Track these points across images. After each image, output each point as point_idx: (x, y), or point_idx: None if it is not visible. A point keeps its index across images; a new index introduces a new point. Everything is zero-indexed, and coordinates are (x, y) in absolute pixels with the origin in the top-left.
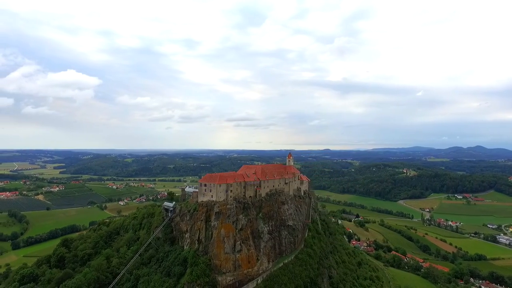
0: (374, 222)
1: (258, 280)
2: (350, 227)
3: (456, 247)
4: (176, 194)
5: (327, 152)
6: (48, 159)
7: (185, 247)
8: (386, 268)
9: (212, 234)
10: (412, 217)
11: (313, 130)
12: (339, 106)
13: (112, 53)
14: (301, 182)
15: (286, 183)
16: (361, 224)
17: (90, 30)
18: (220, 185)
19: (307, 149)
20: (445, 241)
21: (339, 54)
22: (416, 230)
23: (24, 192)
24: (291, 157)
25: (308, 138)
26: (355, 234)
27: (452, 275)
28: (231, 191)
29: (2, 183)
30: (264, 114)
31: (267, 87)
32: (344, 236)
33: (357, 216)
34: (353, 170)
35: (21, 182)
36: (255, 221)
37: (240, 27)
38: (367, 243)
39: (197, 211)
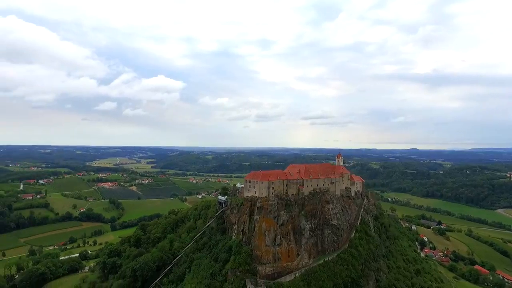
0: (460, 231)
1: (296, 273)
2: (427, 234)
3: None
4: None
5: (413, 151)
6: (142, 155)
7: (232, 237)
8: (455, 281)
9: (254, 227)
10: None
11: (397, 127)
12: (428, 100)
13: (194, 57)
14: (352, 183)
15: (332, 183)
16: (441, 232)
17: (175, 38)
18: (262, 182)
19: (390, 148)
20: None
21: (424, 44)
22: None
23: (122, 183)
24: (340, 157)
25: (392, 136)
26: (430, 242)
27: None
28: (273, 188)
29: (106, 175)
30: (342, 111)
31: (344, 83)
32: (416, 243)
33: (439, 223)
34: (441, 172)
35: (120, 175)
36: (297, 218)
37: (314, 23)
38: (443, 252)
39: (243, 205)
